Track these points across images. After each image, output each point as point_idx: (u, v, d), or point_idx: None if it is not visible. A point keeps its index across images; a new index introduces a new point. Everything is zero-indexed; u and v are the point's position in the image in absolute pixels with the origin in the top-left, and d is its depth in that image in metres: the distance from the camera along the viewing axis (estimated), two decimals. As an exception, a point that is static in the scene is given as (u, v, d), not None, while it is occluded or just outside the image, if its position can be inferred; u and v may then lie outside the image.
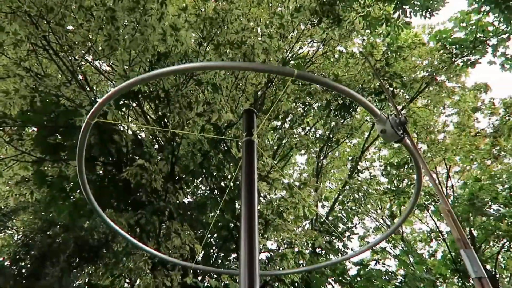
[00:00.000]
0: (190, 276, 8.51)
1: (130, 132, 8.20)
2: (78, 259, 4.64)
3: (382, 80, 9.53)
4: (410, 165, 12.35)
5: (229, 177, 10.42)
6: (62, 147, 8.99)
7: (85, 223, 5.99)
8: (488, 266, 13.38)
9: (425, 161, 2.90)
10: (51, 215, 5.68)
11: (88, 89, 7.45)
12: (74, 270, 4.46)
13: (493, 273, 12.94)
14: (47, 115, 8.15)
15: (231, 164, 10.10)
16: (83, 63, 9.03)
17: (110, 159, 8.21)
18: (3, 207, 7.06)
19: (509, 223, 11.85)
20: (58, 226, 5.14)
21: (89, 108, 7.31)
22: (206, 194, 12.08)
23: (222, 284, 8.86)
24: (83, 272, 4.99)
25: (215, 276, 9.49)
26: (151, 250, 3.50)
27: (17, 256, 4.35)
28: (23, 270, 4.20)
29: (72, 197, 9.33)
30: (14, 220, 6.18)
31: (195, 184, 11.88)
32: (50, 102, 7.87)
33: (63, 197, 9.31)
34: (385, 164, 13.62)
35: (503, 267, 12.94)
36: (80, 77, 8.29)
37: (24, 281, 4.06)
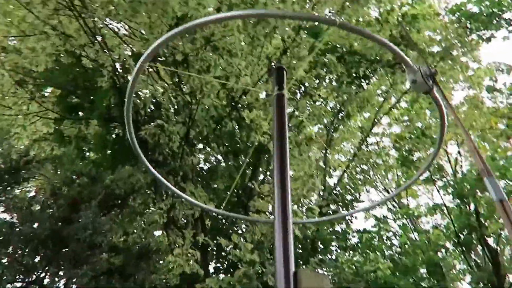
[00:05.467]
0: (202, 235, 8.96)
1: (148, 94, 8.44)
2: (106, 207, 5.00)
3: (410, 37, 9.46)
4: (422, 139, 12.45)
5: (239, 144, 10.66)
6: (82, 108, 9.27)
7: (108, 176, 6.32)
8: (491, 242, 13.69)
9: (454, 109, 3.04)
10: (79, 165, 6.04)
11: (107, 51, 7.63)
12: (102, 217, 4.83)
13: (496, 247, 13.26)
14: (68, 75, 8.39)
15: (244, 131, 10.31)
16: (101, 25, 9.17)
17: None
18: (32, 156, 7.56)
19: (514, 200, 12.03)
20: (85, 178, 5.52)
21: (111, 69, 7.53)
22: (217, 160, 12.39)
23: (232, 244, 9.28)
24: (110, 220, 5.38)
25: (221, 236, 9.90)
26: (190, 199, 3.85)
27: (48, 203, 4.69)
28: (56, 215, 4.55)
29: (87, 157, 9.68)
30: (41, 171, 6.59)
31: (206, 150, 12.19)
32: (71, 63, 8.09)
33: (81, 156, 9.68)
34: (396, 137, 13.76)
35: (505, 241, 13.24)
36: (99, 39, 8.45)
37: (59, 224, 4.41)
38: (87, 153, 9.76)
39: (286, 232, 2.00)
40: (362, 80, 12.29)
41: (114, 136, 8.72)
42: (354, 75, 12.34)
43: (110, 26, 9.45)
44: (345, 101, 13.50)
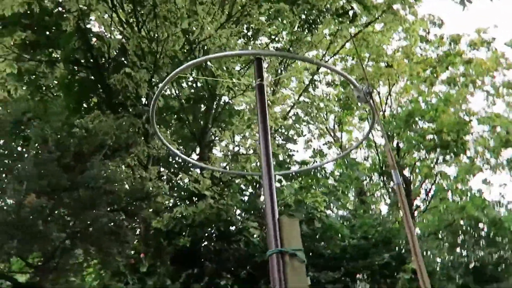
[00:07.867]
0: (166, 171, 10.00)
1: (115, 40, 8.63)
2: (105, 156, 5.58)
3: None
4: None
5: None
6: (39, 45, 9.18)
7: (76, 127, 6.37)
8: (406, 172, 16.31)
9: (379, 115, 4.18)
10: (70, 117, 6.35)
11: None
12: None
13: (409, 177, 15.91)
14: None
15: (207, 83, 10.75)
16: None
17: (93, 63, 8.68)
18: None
19: (430, 138, 14.37)
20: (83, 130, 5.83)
21: (76, 14, 7.63)
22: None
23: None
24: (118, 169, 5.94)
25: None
26: (195, 162, 4.69)
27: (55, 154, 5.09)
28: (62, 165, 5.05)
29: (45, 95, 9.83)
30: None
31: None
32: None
33: (41, 93, 9.84)
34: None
35: (418, 172, 15.93)
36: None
37: (65, 174, 4.93)
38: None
39: (271, 187, 3.01)
40: (311, 25, 13.06)
41: (77, 78, 8.97)
42: (305, 20, 13.07)
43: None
44: (294, 42, 14.32)
